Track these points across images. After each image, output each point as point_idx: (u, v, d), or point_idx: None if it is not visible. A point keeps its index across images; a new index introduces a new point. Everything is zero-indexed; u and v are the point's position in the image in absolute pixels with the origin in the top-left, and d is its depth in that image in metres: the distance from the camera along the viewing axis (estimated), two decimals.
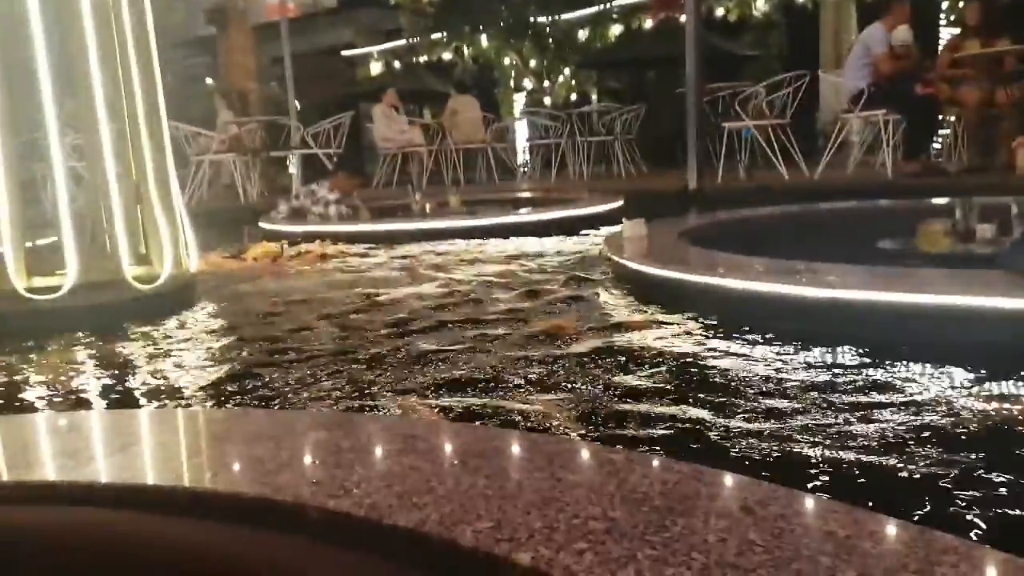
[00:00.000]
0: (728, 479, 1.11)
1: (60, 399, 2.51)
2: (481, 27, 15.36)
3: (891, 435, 1.81)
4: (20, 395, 2.56)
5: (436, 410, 2.16)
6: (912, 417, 1.91)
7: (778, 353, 2.49)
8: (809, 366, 2.36)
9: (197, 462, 1.28)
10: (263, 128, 10.58)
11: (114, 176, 3.69)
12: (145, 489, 1.18)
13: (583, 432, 1.93)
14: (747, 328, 2.71)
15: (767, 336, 2.64)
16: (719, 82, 9.82)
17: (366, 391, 2.36)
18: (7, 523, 1.21)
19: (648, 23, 13.73)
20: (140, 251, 3.88)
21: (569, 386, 2.29)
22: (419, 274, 4.50)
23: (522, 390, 2.28)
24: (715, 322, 2.84)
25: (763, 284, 2.73)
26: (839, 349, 2.46)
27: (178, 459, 1.36)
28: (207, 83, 15.94)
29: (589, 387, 2.28)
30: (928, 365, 2.28)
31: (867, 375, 2.24)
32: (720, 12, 14.65)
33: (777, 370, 2.34)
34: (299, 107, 11.67)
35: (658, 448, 1.80)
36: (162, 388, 2.56)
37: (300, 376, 2.56)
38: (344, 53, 18.15)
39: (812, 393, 2.12)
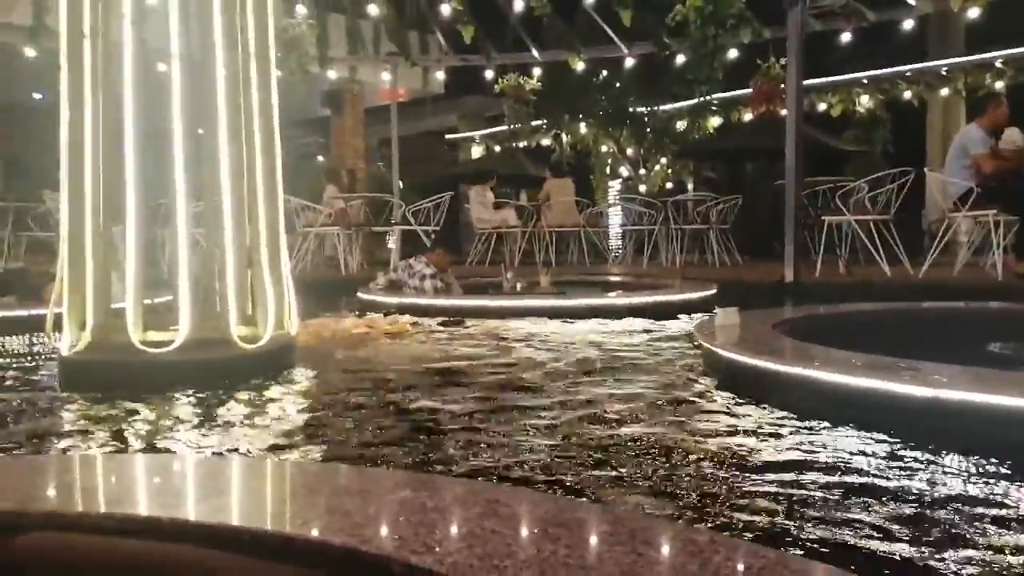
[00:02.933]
0: (818, 570, 1.08)
1: (163, 443, 2.64)
2: (580, 115, 15.79)
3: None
4: (127, 437, 2.71)
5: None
6: None
7: (872, 451, 2.39)
8: (919, 471, 2.25)
9: (288, 510, 1.33)
10: (367, 204, 11.07)
11: (230, 242, 3.93)
12: (238, 531, 1.24)
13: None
14: (840, 423, 2.61)
15: (865, 433, 2.54)
16: (820, 176, 9.73)
17: (446, 461, 2.39)
18: (109, 554, 1.28)
19: (747, 116, 13.81)
20: (247, 312, 4.09)
21: (647, 474, 2.26)
22: (504, 351, 4.55)
23: (607, 484, 2.26)
24: (810, 416, 2.75)
25: (861, 379, 2.64)
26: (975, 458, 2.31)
27: (270, 506, 1.41)
28: (318, 160, 16.86)
29: (663, 475, 2.24)
30: None
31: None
32: (823, 107, 14.62)
33: (868, 470, 2.24)
34: (402, 186, 12.19)
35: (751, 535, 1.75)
36: (257, 440, 2.66)
37: (386, 438, 2.62)
38: (448, 136, 18.94)
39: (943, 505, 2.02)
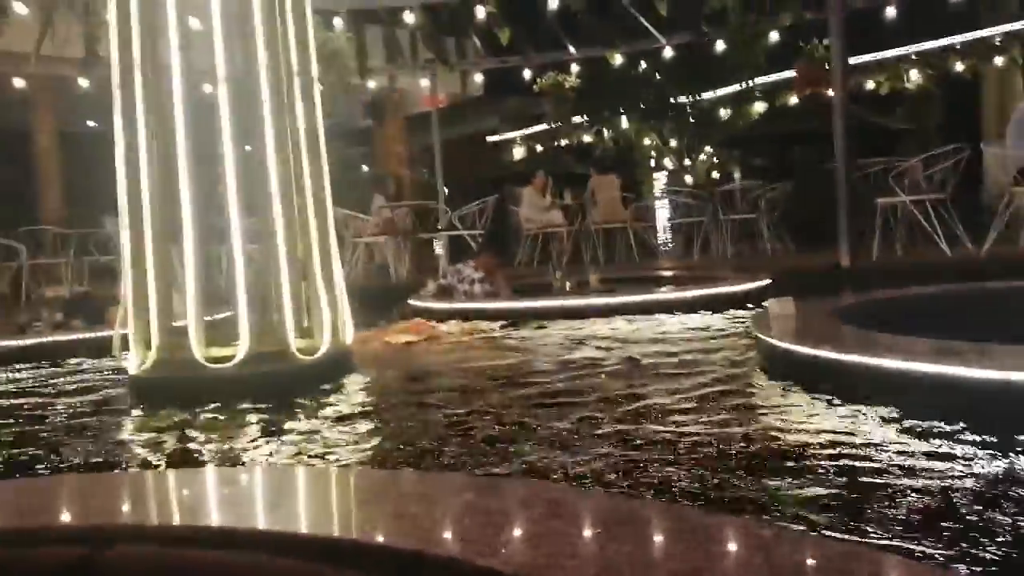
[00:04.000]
0: (889, 560, 1.06)
1: (231, 455, 2.72)
2: (621, 109, 15.68)
3: None
4: (198, 451, 2.79)
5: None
6: None
7: (938, 441, 2.33)
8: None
9: (354, 516, 1.36)
10: (413, 212, 11.17)
11: (284, 256, 4.02)
12: (309, 538, 1.27)
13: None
14: (903, 410, 2.56)
15: (926, 422, 2.47)
16: (871, 157, 9.49)
17: (508, 461, 2.41)
18: (181, 564, 1.33)
19: (793, 100, 13.55)
20: (303, 325, 4.17)
21: (713, 471, 2.24)
22: (553, 352, 4.55)
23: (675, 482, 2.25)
24: (883, 408, 2.68)
25: (925, 364, 2.58)
26: None
27: (337, 512, 1.45)
28: (364, 171, 17.09)
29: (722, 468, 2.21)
30: None
31: None
32: (871, 86, 14.25)
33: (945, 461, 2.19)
34: (447, 191, 12.28)
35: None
36: (320, 448, 2.72)
37: (447, 441, 2.65)
38: (489, 139, 19.01)
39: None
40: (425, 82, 12.75)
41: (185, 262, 3.89)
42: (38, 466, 2.75)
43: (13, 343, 5.35)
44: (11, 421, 3.53)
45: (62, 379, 4.63)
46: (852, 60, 10.45)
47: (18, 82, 10.66)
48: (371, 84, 13.35)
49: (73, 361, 5.18)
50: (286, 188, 4.06)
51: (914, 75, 14.00)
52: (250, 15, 4.00)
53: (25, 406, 3.87)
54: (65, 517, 1.49)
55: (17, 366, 5.05)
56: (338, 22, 11.14)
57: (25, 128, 11.46)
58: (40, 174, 11.48)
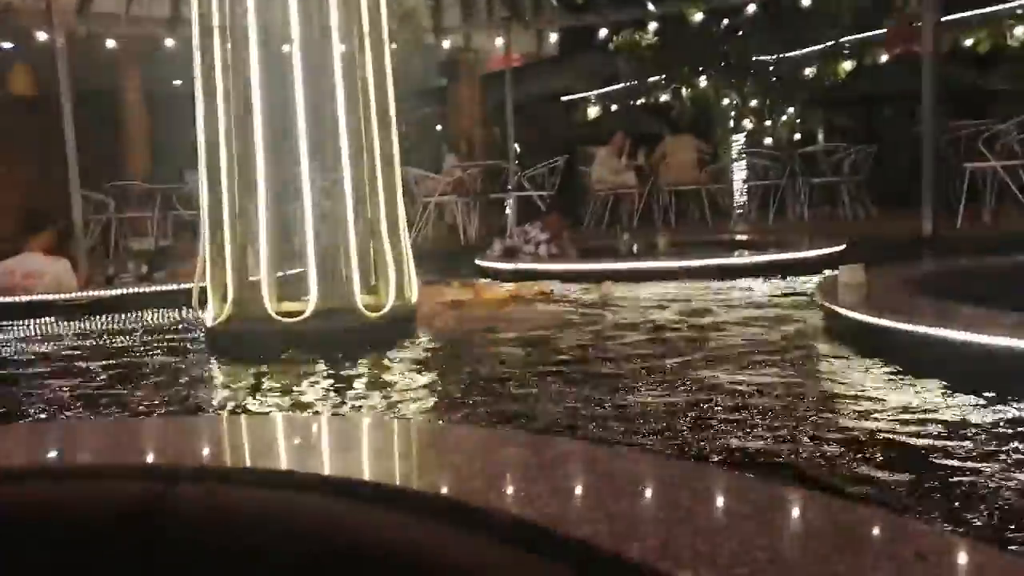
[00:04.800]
0: (911, 525, 1.06)
1: (301, 404, 2.85)
2: (700, 67, 15.25)
3: None
4: (268, 398, 2.94)
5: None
6: None
7: (1002, 414, 2.26)
8: None
9: (400, 464, 1.42)
10: (484, 171, 11.20)
11: (352, 215, 4.12)
12: (365, 484, 1.34)
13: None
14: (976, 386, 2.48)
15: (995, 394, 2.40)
16: (965, 119, 9.01)
17: (577, 425, 2.45)
18: (256, 506, 1.42)
19: (883, 58, 12.93)
20: (371, 283, 4.28)
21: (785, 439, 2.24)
22: (618, 315, 4.55)
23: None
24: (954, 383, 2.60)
25: (995, 337, 2.49)
26: None
27: (389, 461, 1.51)
28: (437, 130, 17.19)
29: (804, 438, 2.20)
30: None
31: None
32: (969, 43, 13.46)
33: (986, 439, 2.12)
34: (519, 150, 12.25)
35: None
36: (381, 400, 2.82)
37: (499, 396, 2.71)
38: (563, 98, 18.80)
39: None
40: (500, 41, 12.67)
41: (259, 219, 4.03)
42: (116, 407, 2.94)
43: (101, 293, 5.66)
44: (96, 367, 3.76)
45: (145, 330, 4.89)
46: (949, 16, 9.90)
47: (108, 43, 11.07)
48: (446, 43, 13.34)
49: (157, 312, 5.46)
50: (356, 148, 4.14)
51: (1019, 31, 13.13)
52: None
53: (108, 354, 4.11)
54: (137, 456, 1.60)
55: (104, 316, 5.35)
56: None
57: (113, 86, 11.93)
58: (127, 132, 11.96)
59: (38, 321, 5.19)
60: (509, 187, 11.13)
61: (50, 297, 5.42)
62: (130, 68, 11.95)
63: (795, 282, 5.47)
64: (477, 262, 7.07)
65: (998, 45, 13.30)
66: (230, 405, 2.94)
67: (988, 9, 13.01)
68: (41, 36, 9.02)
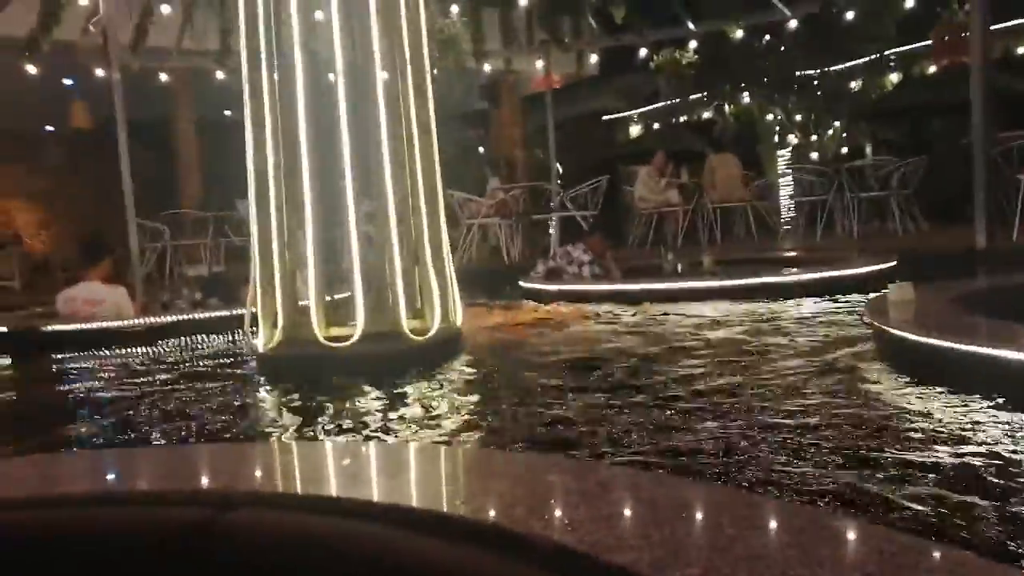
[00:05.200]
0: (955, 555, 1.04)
1: (351, 430, 2.89)
2: (743, 84, 15.14)
3: None
4: (318, 425, 2.99)
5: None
6: None
7: None
8: None
9: (447, 490, 1.44)
10: (527, 193, 11.26)
11: (397, 239, 4.18)
12: (408, 511, 1.36)
13: None
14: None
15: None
16: (1017, 129, 8.78)
17: (611, 452, 2.45)
18: (301, 530, 1.45)
19: (931, 69, 12.69)
20: (416, 306, 4.34)
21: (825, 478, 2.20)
22: (662, 337, 4.52)
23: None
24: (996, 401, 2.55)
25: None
26: None
27: (445, 488, 1.53)
28: (479, 152, 17.35)
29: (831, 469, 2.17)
30: None
31: None
32: (1021, 51, 13.12)
33: None
34: (561, 171, 12.29)
35: None
36: (427, 425, 2.84)
37: (545, 420, 2.71)
38: (605, 117, 18.82)
39: None
40: (540, 63, 12.78)
41: (307, 244, 4.12)
42: (172, 433, 3.02)
43: (157, 320, 5.83)
44: (150, 393, 3.88)
45: (198, 355, 5.02)
46: (1000, 24, 9.69)
47: (162, 76, 11.47)
48: (487, 67, 13.49)
49: (209, 337, 5.60)
50: (399, 173, 4.22)
51: None
52: (367, 7, 4.16)
53: (164, 380, 4.23)
54: (191, 482, 1.65)
55: (160, 341, 5.51)
56: (455, 8, 11.32)
57: (166, 118, 12.33)
58: (180, 161, 12.35)
59: (99, 348, 5.36)
60: (552, 207, 11.16)
61: (110, 324, 5.60)
62: (182, 100, 12.36)
63: (844, 300, 5.37)
64: (521, 283, 7.10)
65: None
66: (280, 431, 3.00)
67: None
68: (99, 72, 9.39)
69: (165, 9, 9.84)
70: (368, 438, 2.79)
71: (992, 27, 7.11)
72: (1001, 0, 6.85)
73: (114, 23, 7.12)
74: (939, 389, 2.75)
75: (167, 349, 5.32)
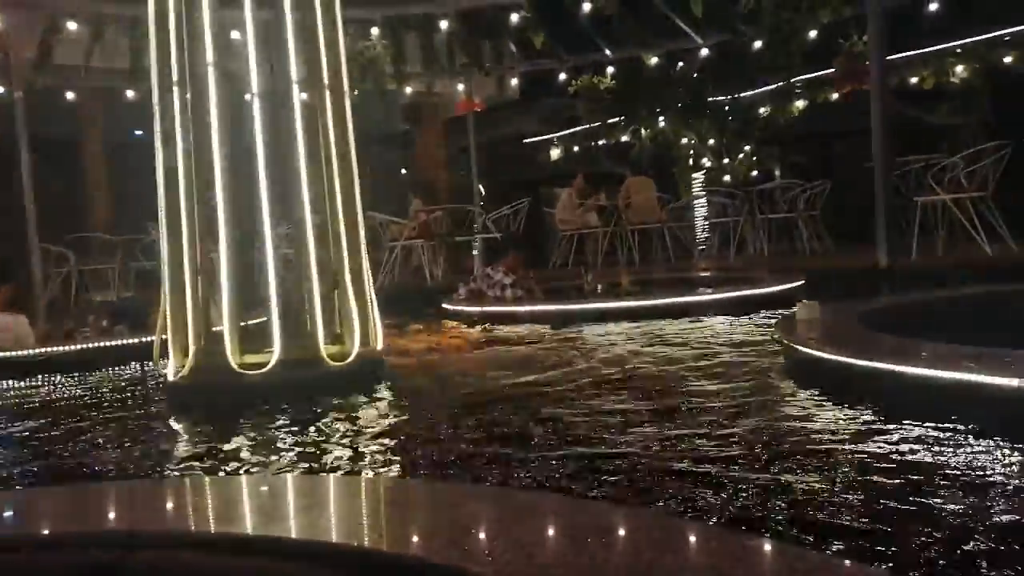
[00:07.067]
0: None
1: (263, 463, 2.80)
2: (658, 109, 15.57)
3: None
4: (229, 459, 2.89)
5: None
6: None
7: (942, 450, 2.31)
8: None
9: (364, 523, 1.42)
10: (449, 214, 11.26)
11: (315, 263, 4.11)
12: (321, 546, 1.33)
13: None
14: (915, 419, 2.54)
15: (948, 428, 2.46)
16: (913, 154, 9.31)
17: (529, 476, 2.45)
18: (200, 569, 1.40)
19: (834, 96, 13.33)
20: (335, 331, 4.26)
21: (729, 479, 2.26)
22: (580, 356, 4.57)
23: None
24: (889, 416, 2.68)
25: (935, 371, 2.56)
26: None
27: (366, 521, 1.51)
28: (403, 174, 17.28)
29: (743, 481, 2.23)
30: None
31: None
32: (914, 81, 13.91)
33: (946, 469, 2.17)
34: (483, 192, 12.35)
35: None
36: (343, 454, 2.79)
37: (473, 447, 2.70)
38: (526, 140, 19.03)
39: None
40: (462, 86, 12.86)
41: (221, 269, 4.01)
42: (75, 472, 2.87)
43: (60, 349, 5.55)
44: (50, 427, 3.68)
45: (103, 385, 4.80)
46: (894, 56, 10.25)
47: (69, 94, 11.02)
48: (408, 89, 13.48)
49: (116, 367, 5.36)
50: (317, 196, 4.15)
51: (959, 69, 13.64)
52: (283, 29, 4.11)
53: (64, 413, 4.02)
54: (95, 523, 1.57)
55: (63, 372, 5.24)
56: (375, 31, 11.29)
57: (74, 138, 11.85)
58: (88, 182, 11.87)
59: None
60: (476, 229, 11.19)
61: (8, 354, 5.30)
62: (91, 119, 11.90)
63: (757, 317, 5.55)
64: (444, 306, 7.07)
65: (942, 82, 13.79)
66: (184, 466, 2.88)
67: (930, 48, 13.50)
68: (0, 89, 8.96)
69: (72, 26, 9.47)
70: (280, 471, 2.71)
71: (888, 57, 7.53)
72: (896, 33, 7.24)
73: (17, 39, 6.82)
74: (838, 402, 2.88)
75: (70, 380, 5.07)
